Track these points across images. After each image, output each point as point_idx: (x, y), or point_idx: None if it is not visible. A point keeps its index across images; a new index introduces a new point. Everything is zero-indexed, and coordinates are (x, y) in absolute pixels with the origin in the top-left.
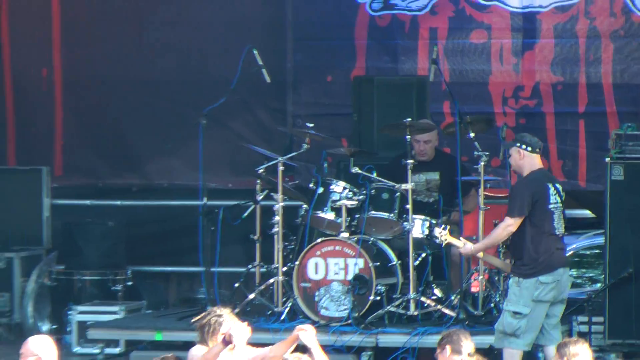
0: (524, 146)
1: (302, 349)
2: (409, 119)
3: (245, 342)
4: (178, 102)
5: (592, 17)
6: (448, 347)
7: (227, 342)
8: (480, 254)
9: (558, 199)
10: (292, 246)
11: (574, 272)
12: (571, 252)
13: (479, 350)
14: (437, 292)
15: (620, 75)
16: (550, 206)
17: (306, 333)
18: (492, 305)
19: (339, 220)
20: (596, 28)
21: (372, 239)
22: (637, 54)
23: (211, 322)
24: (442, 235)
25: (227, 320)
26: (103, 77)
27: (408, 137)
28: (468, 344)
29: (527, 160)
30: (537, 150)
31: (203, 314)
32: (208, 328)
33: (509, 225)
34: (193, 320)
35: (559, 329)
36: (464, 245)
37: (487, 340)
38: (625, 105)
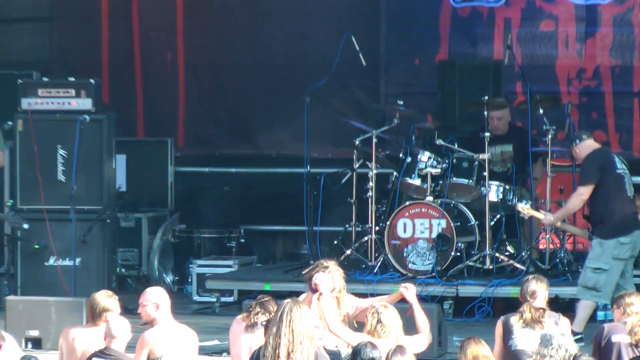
0: (574, 143)
1: None
2: (486, 97)
3: (329, 289)
4: (286, 82)
5: None
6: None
7: (314, 290)
8: (559, 223)
9: (624, 166)
10: (384, 208)
11: None
12: None
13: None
14: (510, 248)
15: None
16: (619, 171)
17: (408, 291)
18: (557, 260)
19: (424, 186)
20: None
21: (453, 202)
22: None
23: (318, 273)
24: (525, 209)
25: (334, 272)
26: (220, 60)
27: (485, 113)
28: (536, 288)
29: (583, 148)
30: (584, 137)
31: (312, 265)
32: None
33: (581, 194)
34: (304, 271)
35: (632, 282)
36: (545, 217)
37: (553, 290)
38: None
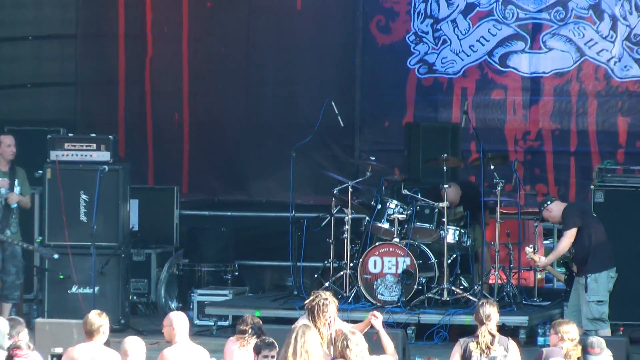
0: (545, 204)
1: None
2: (445, 155)
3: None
4: (275, 139)
5: (581, 81)
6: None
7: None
8: (549, 268)
9: None
10: (357, 247)
11: (563, 270)
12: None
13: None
14: (464, 283)
15: (602, 124)
16: (594, 215)
17: (377, 320)
18: (504, 293)
19: (392, 229)
20: (584, 89)
21: (416, 243)
22: (614, 108)
23: (319, 303)
24: (529, 253)
25: (331, 303)
26: (220, 120)
27: (445, 167)
28: (491, 312)
29: (555, 207)
30: (553, 199)
31: (312, 297)
32: (317, 308)
33: (569, 237)
34: (305, 302)
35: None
36: (539, 260)
37: (500, 319)
38: (605, 147)
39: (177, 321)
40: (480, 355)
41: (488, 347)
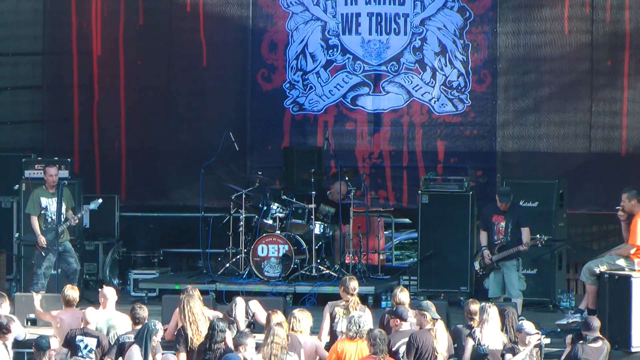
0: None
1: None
2: (313, 170)
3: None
4: (189, 159)
5: (410, 115)
6: (341, 287)
7: None
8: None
9: None
10: (249, 238)
11: (399, 253)
12: (397, 241)
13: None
14: (327, 262)
15: (426, 146)
16: None
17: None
18: (357, 270)
19: (275, 224)
20: (413, 121)
21: (292, 234)
22: (435, 135)
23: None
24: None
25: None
26: (147, 146)
27: (312, 179)
28: (354, 284)
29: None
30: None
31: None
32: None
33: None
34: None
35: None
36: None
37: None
38: (428, 163)
39: (108, 293)
40: (343, 316)
41: (355, 309)
